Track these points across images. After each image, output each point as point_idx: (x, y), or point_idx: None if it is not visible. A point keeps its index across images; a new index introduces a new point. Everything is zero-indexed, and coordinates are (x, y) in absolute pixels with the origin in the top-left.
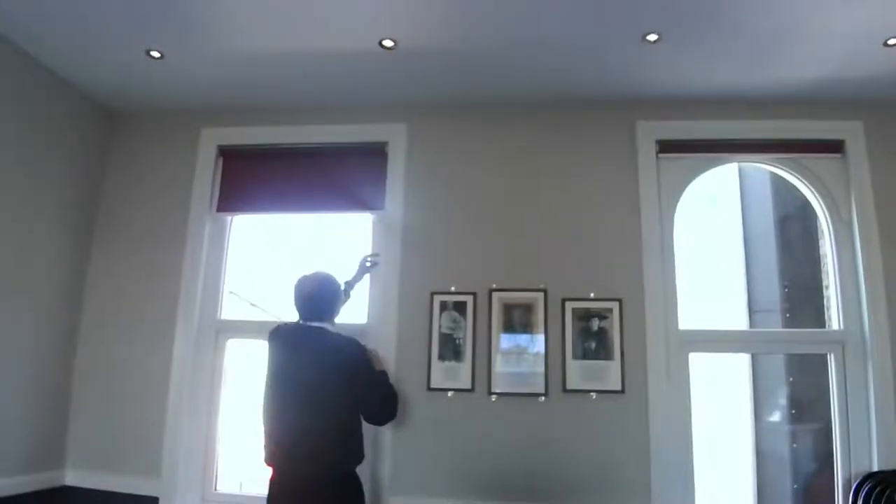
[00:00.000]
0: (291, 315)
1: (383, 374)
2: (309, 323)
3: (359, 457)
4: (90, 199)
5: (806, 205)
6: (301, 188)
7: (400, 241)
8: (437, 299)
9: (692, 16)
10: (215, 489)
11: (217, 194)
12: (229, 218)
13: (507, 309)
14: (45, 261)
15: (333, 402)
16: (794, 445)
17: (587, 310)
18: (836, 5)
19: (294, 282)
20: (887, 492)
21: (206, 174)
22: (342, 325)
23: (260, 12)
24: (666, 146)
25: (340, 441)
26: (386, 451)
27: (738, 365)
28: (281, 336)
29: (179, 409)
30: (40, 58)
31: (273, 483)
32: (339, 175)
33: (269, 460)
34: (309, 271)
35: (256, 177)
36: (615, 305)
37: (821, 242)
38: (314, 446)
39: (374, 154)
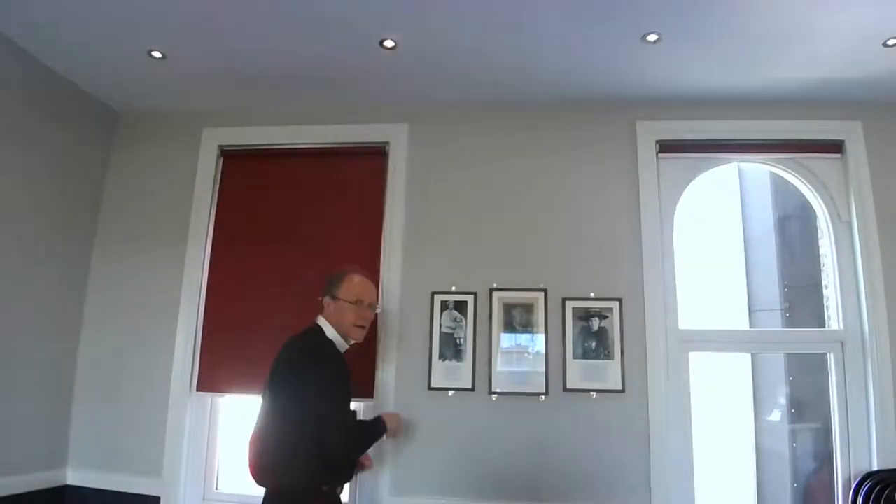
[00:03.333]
0: None
1: (335, 416)
2: (317, 321)
3: (306, 477)
4: (92, 199)
5: (806, 205)
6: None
7: (400, 240)
8: (438, 299)
9: (692, 16)
10: (216, 488)
11: (217, 196)
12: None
13: (508, 308)
14: (47, 261)
15: (281, 413)
16: (794, 444)
17: (587, 309)
18: (836, 5)
19: None
20: (887, 491)
21: (207, 174)
22: None
23: (261, 12)
24: (666, 146)
25: (284, 458)
26: (386, 451)
27: (739, 364)
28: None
29: (181, 408)
30: (42, 58)
31: None
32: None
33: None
34: None
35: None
36: (615, 305)
37: (820, 242)
38: (266, 462)
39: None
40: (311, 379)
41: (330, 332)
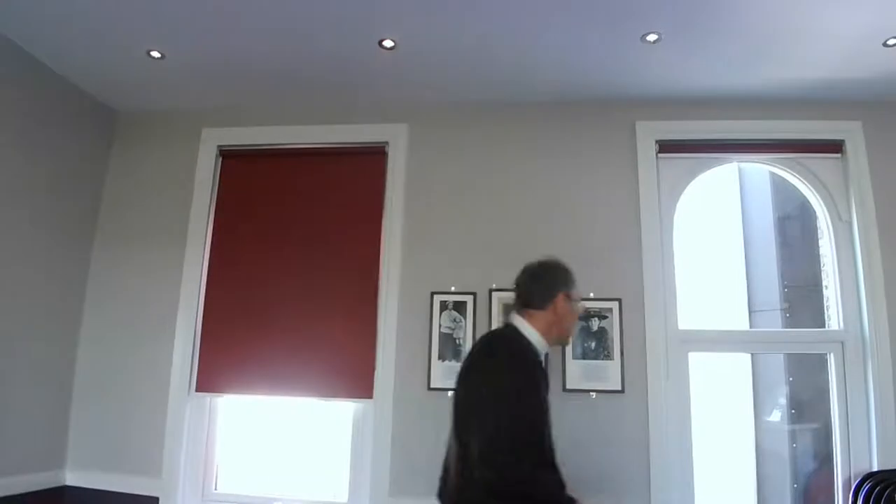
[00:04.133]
0: None
1: (515, 456)
2: (510, 319)
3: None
4: (91, 199)
5: (806, 205)
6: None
7: (400, 240)
8: (438, 299)
9: (692, 16)
10: (215, 489)
11: (216, 196)
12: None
13: (507, 309)
14: (46, 261)
15: (460, 424)
16: (794, 445)
17: (587, 309)
18: (836, 5)
19: None
20: (887, 491)
21: (206, 174)
22: None
23: (260, 12)
24: (666, 146)
25: (459, 478)
26: (385, 451)
27: (739, 364)
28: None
29: (180, 408)
30: (41, 58)
31: None
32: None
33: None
34: None
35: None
36: (615, 305)
37: (820, 242)
38: (447, 480)
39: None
40: (495, 387)
41: (530, 332)
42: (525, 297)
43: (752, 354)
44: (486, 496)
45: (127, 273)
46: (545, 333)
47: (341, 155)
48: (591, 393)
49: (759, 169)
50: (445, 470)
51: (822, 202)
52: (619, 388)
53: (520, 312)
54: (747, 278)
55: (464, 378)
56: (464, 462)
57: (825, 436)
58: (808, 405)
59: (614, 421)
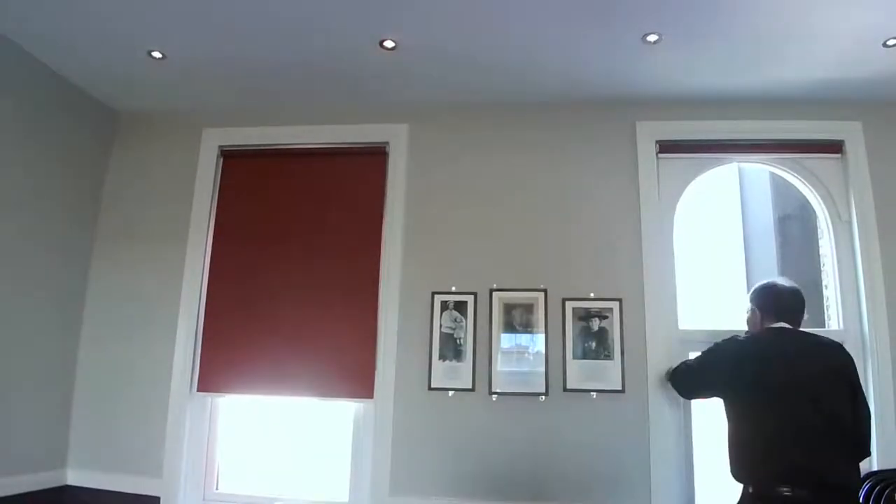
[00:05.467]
0: None
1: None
2: (791, 326)
3: (858, 475)
4: (92, 199)
5: (805, 204)
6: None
7: (400, 240)
8: (438, 299)
9: (692, 16)
10: (216, 489)
11: (217, 196)
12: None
13: (508, 309)
14: (47, 261)
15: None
16: None
17: (587, 309)
18: (837, 5)
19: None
20: (886, 491)
21: (207, 174)
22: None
23: (260, 12)
24: (666, 146)
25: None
26: (386, 451)
27: None
28: (766, 339)
29: (181, 408)
30: (42, 58)
31: None
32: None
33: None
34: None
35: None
36: (615, 305)
37: (820, 242)
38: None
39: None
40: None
41: None
42: (799, 314)
43: None
44: (854, 469)
45: (127, 273)
46: None
47: (342, 155)
48: (592, 393)
49: (759, 169)
50: (801, 447)
51: (821, 202)
52: (620, 388)
53: (795, 325)
54: (747, 278)
55: (841, 373)
56: (832, 439)
57: None
58: None
59: (614, 421)
